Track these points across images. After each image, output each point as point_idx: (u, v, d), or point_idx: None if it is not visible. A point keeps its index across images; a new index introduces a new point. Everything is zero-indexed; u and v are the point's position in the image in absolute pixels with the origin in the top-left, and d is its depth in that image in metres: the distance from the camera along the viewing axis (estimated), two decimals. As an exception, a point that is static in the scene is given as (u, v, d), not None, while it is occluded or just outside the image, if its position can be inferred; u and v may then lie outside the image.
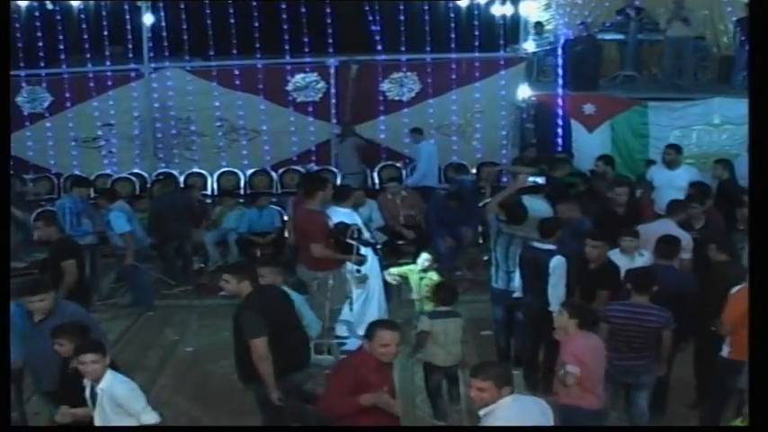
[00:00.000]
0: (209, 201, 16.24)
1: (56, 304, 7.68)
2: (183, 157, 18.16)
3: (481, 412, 5.85)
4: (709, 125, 17.15)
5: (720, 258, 8.83)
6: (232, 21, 18.15)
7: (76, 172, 17.43)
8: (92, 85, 18.05)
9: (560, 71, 17.45)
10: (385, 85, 18.17)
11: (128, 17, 18.20)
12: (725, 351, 8.07)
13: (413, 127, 17.20)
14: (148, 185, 16.42)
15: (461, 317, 8.84)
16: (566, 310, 7.44)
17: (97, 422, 6.65)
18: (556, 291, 8.99)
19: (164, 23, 18.33)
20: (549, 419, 6.04)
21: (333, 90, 17.92)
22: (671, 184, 12.57)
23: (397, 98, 18.17)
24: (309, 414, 7.94)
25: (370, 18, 18.38)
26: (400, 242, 13.60)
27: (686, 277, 8.83)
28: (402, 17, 18.34)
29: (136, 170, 17.75)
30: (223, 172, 17.64)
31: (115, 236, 12.01)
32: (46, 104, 18.19)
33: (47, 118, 18.19)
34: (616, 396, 8.54)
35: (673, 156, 13.00)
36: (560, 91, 17.36)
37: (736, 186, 12.67)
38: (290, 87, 18.16)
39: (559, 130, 17.24)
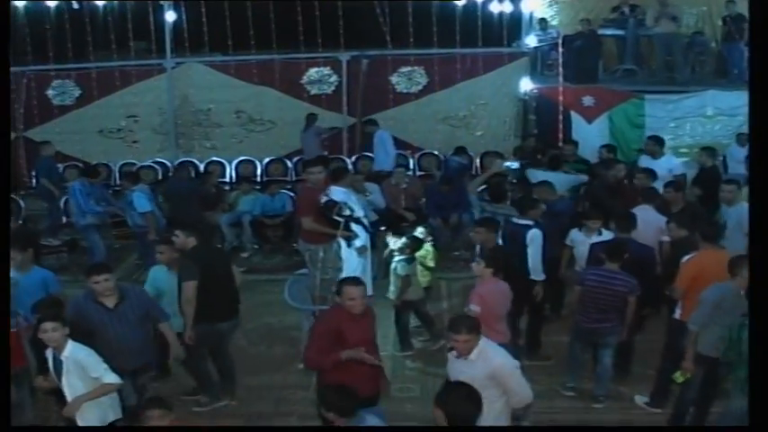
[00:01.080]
0: (227, 187, 17.09)
1: (122, 288, 8.09)
2: (203, 146, 19.17)
3: (471, 356, 6.68)
4: (703, 116, 17.96)
5: (680, 234, 9.70)
6: (250, 18, 18.99)
7: (103, 161, 18.50)
8: (117, 79, 19.12)
9: (560, 65, 18.24)
10: (394, 79, 19.14)
11: (151, 15, 19.14)
12: (677, 313, 8.97)
13: (366, 118, 18.23)
14: (170, 173, 17.36)
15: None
16: (483, 260, 8.42)
17: (66, 391, 7.15)
18: (534, 259, 9.92)
19: (185, 21, 19.30)
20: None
21: (344, 83, 18.93)
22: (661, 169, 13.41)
23: (405, 91, 19.14)
24: (214, 373, 9.39)
25: (380, 15, 19.14)
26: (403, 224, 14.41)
27: (645, 248, 9.70)
28: (410, 14, 19.11)
29: (158, 159, 18.74)
30: (241, 160, 18.56)
31: (136, 215, 12.99)
32: (74, 97, 19.32)
33: (75, 110, 19.30)
34: (584, 353, 9.55)
35: (653, 147, 13.89)
36: (561, 84, 18.15)
37: (719, 173, 13.60)
38: (304, 81, 19.17)
39: (560, 122, 18.02)
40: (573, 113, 18.11)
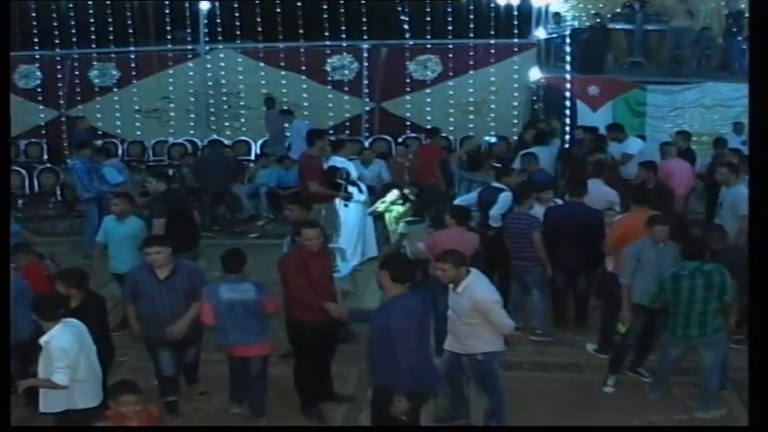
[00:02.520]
0: (251, 163, 18.40)
1: (176, 262, 8.39)
2: (232, 126, 20.49)
3: (459, 289, 7.82)
4: (702, 107, 18.89)
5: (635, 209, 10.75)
6: (278, 8, 20.36)
7: (138, 138, 20.00)
8: (154, 62, 20.55)
9: (568, 56, 19.24)
10: (411, 67, 20.25)
11: (187, 4, 20.49)
12: (609, 266, 10.18)
13: (283, 109, 19.31)
14: (199, 150, 18.74)
15: (425, 222, 11.35)
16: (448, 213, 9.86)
17: (40, 373, 7.19)
18: (495, 211, 11.19)
19: (218, 10, 20.63)
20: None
21: (365, 70, 20.10)
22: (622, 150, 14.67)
23: (421, 78, 20.24)
24: None
25: (400, 7, 20.38)
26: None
27: (591, 211, 10.78)
28: (427, 7, 20.35)
29: (187, 137, 20.09)
30: (265, 140, 19.72)
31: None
32: (114, 79, 20.74)
33: (114, 91, 20.72)
34: (523, 295, 10.93)
35: (615, 134, 15.23)
36: (568, 74, 19.16)
37: (692, 155, 14.69)
38: (327, 67, 20.40)
39: (566, 109, 19.02)
40: (579, 102, 19.04)
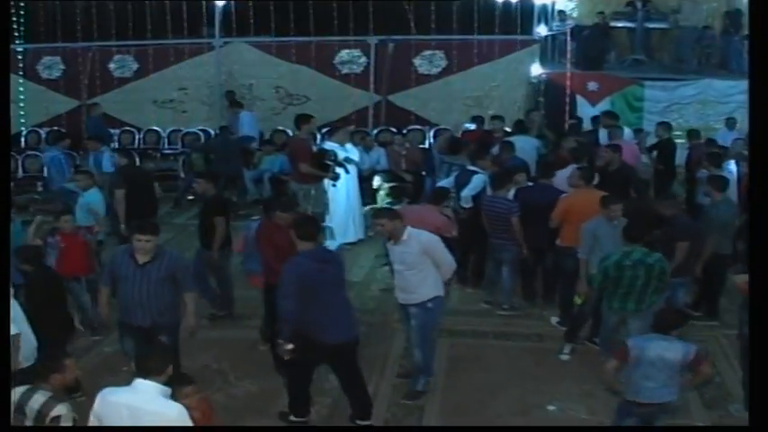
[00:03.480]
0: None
1: (160, 250, 8.41)
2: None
3: (404, 238, 8.66)
4: (697, 103, 19.52)
5: (579, 183, 11.33)
6: (290, 4, 21.13)
7: (155, 127, 20.91)
8: (171, 55, 21.30)
9: (568, 53, 19.94)
10: (417, 61, 20.81)
11: (203, 0, 21.31)
12: (558, 240, 10.91)
13: (231, 99, 20.04)
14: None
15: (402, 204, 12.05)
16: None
17: None
18: (466, 192, 11.96)
19: (233, 5, 21.35)
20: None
21: (372, 64, 20.76)
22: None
23: (426, 72, 20.82)
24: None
25: (406, 4, 21.10)
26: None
27: (556, 192, 11.47)
28: (433, 4, 21.00)
29: (201, 127, 20.81)
30: (276, 130, 20.26)
31: None
32: (133, 70, 21.54)
33: (133, 82, 21.52)
34: (496, 272, 11.56)
35: (608, 121, 15.83)
36: (568, 69, 19.84)
37: (673, 145, 15.33)
38: (336, 61, 21.01)
39: (566, 104, 19.71)
40: (578, 96, 19.75)
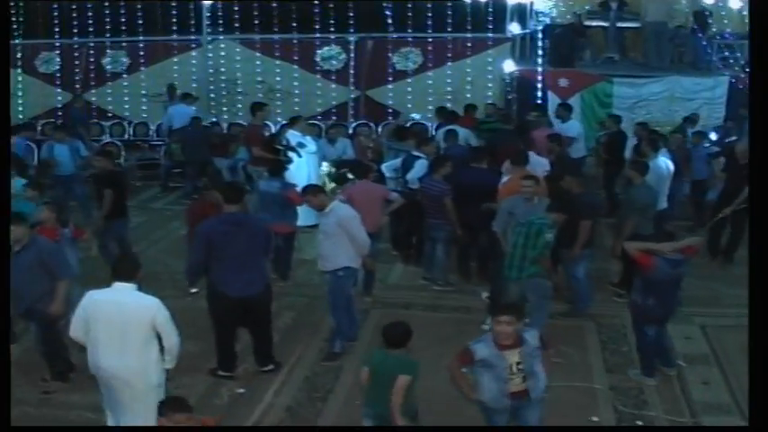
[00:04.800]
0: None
1: (31, 238, 8.80)
2: (230, 111, 22.07)
3: (326, 210, 9.70)
4: (664, 99, 20.12)
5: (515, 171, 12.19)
6: (274, 3, 21.91)
7: (144, 120, 21.98)
8: (161, 51, 22.33)
9: (540, 50, 20.67)
10: (394, 58, 21.68)
11: (191, -1, 22.21)
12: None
13: (171, 92, 20.66)
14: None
15: None
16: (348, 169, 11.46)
17: None
18: (412, 175, 12.83)
19: (219, 3, 22.28)
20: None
21: (352, 61, 21.66)
22: (564, 132, 16.02)
23: (403, 69, 21.68)
24: None
25: (384, 3, 21.84)
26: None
27: (488, 174, 12.34)
28: (409, 3, 21.83)
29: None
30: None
31: None
32: (125, 66, 22.60)
33: (124, 77, 22.57)
34: (433, 250, 12.32)
35: (563, 112, 16.44)
36: (540, 66, 20.55)
37: (623, 136, 16.05)
38: (317, 58, 21.94)
39: (537, 100, 20.37)
40: (550, 93, 20.41)
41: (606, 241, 13.11)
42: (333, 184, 13.46)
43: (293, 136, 14.69)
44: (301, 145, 14.36)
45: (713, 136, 17.66)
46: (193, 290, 9.79)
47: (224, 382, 9.51)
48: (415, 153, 13.08)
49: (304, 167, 14.30)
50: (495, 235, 11.21)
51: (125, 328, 7.22)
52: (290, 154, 14.03)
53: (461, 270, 12.73)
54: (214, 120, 21.18)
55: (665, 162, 13.07)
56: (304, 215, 14.07)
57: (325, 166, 14.59)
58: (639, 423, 8.76)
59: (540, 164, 12.81)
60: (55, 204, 10.44)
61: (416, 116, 16.25)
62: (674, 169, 13.25)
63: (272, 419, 8.80)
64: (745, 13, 20.85)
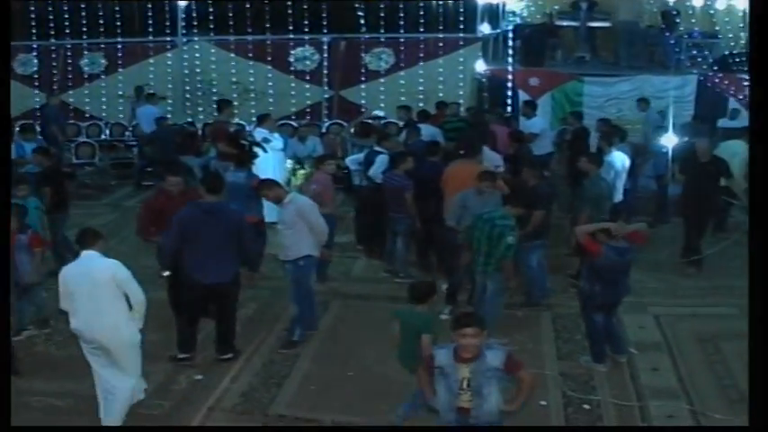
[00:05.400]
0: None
1: None
2: (205, 111, 22.26)
3: (285, 201, 10.01)
4: (634, 98, 20.36)
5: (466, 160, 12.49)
6: (248, 4, 22.41)
7: (122, 121, 22.00)
8: (137, 53, 22.63)
9: (510, 50, 20.96)
10: (366, 58, 22.06)
11: (167, 1, 22.57)
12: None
13: (138, 93, 20.92)
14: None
15: None
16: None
17: None
18: (374, 170, 13.11)
19: (194, 5, 22.66)
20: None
21: (325, 61, 22.00)
22: (528, 128, 16.34)
23: (375, 69, 22.05)
24: None
25: (357, 4, 22.33)
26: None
27: (442, 167, 12.51)
28: (382, 4, 22.31)
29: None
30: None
31: None
32: (102, 67, 22.92)
33: (102, 78, 22.88)
34: (393, 243, 12.57)
35: (527, 109, 16.84)
36: (510, 66, 20.84)
37: (586, 132, 16.33)
38: (291, 58, 22.31)
39: (508, 99, 20.69)
40: (521, 91, 20.70)
41: (567, 234, 13.31)
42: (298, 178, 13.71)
43: (259, 133, 14.96)
44: (266, 140, 14.62)
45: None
46: (165, 273, 9.99)
47: (183, 369, 9.72)
48: (377, 149, 13.33)
49: (270, 163, 14.53)
50: (451, 228, 11.42)
51: (93, 290, 7.99)
52: (256, 149, 14.24)
53: (421, 263, 12.91)
54: (189, 120, 21.35)
55: (620, 156, 13.31)
56: (270, 212, 14.36)
57: (289, 163, 14.86)
58: (586, 407, 8.94)
59: (492, 159, 13.10)
60: (18, 208, 10.53)
61: (380, 113, 16.60)
62: (631, 164, 13.48)
63: (227, 404, 9.01)
64: (712, 12, 21.22)
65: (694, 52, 21.23)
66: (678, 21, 21.52)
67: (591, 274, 9.59)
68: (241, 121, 20.69)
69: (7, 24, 9.03)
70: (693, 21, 21.72)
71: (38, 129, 19.72)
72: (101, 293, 8.02)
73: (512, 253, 10.17)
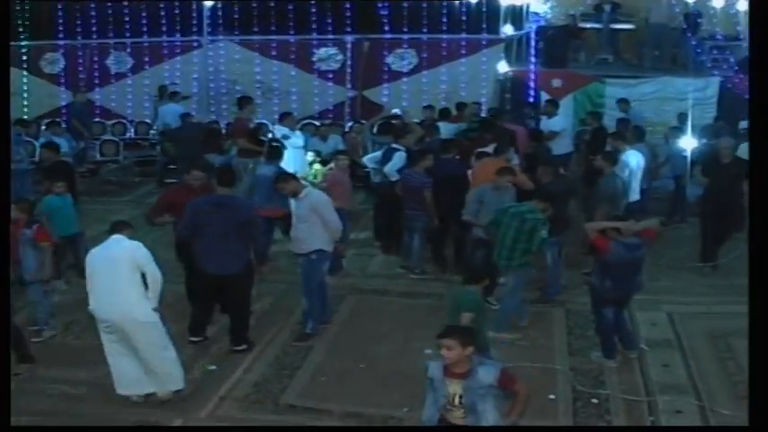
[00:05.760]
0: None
1: None
2: (229, 110, 22.35)
3: (300, 196, 10.14)
4: (657, 99, 20.37)
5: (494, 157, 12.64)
6: (272, 5, 22.59)
7: (146, 119, 22.26)
8: (163, 52, 22.87)
9: (534, 51, 20.98)
10: (389, 59, 22.18)
11: (193, 2, 22.86)
12: None
13: (162, 92, 21.03)
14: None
15: None
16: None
17: None
18: (389, 169, 13.16)
19: (219, 5, 22.89)
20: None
21: (348, 61, 22.14)
22: (549, 127, 16.38)
23: (398, 69, 22.16)
24: None
25: (381, 5, 22.38)
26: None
27: (456, 164, 12.73)
28: (405, 5, 22.34)
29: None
30: (257, 123, 21.58)
31: None
32: (128, 66, 23.14)
33: (128, 77, 23.11)
34: (410, 239, 12.66)
35: (550, 108, 16.83)
36: (533, 67, 20.85)
37: (605, 132, 16.35)
38: (314, 58, 22.45)
39: (531, 99, 20.64)
40: (543, 93, 20.70)
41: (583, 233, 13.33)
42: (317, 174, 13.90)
43: (280, 130, 15.15)
44: (286, 137, 14.78)
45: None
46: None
47: (197, 358, 9.88)
48: (394, 146, 13.43)
49: (290, 160, 14.65)
50: (467, 224, 11.50)
51: (111, 269, 8.38)
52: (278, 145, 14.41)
53: (436, 259, 13.00)
54: (213, 119, 21.54)
55: (635, 155, 13.35)
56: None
57: (310, 156, 15.01)
58: (595, 401, 8.99)
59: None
60: (26, 203, 10.75)
61: (398, 111, 16.74)
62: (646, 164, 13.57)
63: (239, 393, 9.14)
64: (734, 14, 21.15)
65: (717, 54, 21.11)
66: (701, 23, 21.38)
67: (601, 270, 9.67)
68: (264, 121, 20.95)
69: (7, 24, 9.04)
70: (716, 22, 21.57)
71: (64, 125, 20.22)
72: (118, 272, 8.35)
73: (542, 246, 10.48)
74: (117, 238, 8.63)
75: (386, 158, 13.41)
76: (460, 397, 6.29)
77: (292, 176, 10.71)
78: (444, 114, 17.04)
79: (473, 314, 8.16)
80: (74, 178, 13.92)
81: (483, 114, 18.25)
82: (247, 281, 10.03)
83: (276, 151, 13.19)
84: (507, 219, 10.26)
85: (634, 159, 13.16)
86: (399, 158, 13.06)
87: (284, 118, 15.75)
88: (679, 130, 16.10)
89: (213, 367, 9.77)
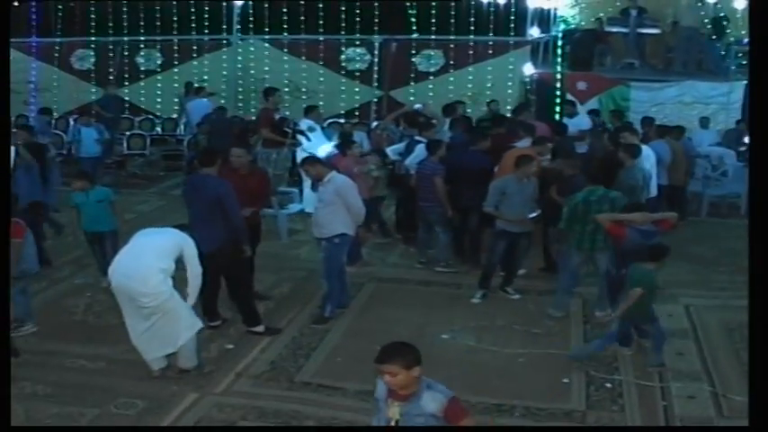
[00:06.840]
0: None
1: None
2: (257, 108, 22.58)
3: (325, 180, 10.27)
4: (681, 103, 20.44)
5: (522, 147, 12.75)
6: (301, 5, 22.85)
7: (174, 116, 22.50)
8: (193, 50, 23.16)
9: (560, 54, 21.08)
10: (416, 59, 22.33)
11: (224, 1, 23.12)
12: None
13: (188, 88, 21.33)
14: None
15: None
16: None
17: None
18: (411, 159, 13.33)
19: (250, 5, 23.25)
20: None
21: (376, 61, 22.33)
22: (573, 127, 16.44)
23: (425, 70, 22.31)
24: None
25: (408, 6, 22.64)
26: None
27: (480, 157, 12.72)
28: (433, 6, 22.50)
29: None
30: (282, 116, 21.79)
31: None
32: (158, 63, 23.47)
33: (157, 74, 23.42)
34: (427, 233, 12.76)
35: (570, 109, 17.00)
36: (559, 70, 20.97)
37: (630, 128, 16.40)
38: (342, 58, 22.65)
39: (556, 101, 20.76)
40: (568, 95, 20.80)
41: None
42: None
43: (305, 123, 15.29)
44: (311, 129, 14.94)
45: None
46: None
47: (215, 338, 9.97)
48: (417, 138, 13.57)
49: (314, 151, 14.81)
50: (488, 216, 11.58)
51: (149, 242, 8.64)
52: (300, 138, 14.57)
53: (455, 251, 13.06)
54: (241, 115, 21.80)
55: (649, 151, 13.42)
56: (308, 202, 14.67)
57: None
58: (608, 386, 9.02)
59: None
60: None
61: (419, 106, 16.95)
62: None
63: (255, 371, 9.22)
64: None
65: (742, 59, 21.11)
66: (726, 27, 21.41)
67: (617, 258, 9.72)
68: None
69: (7, 25, 8.82)
70: (741, 26, 21.57)
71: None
72: (153, 245, 8.58)
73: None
74: (169, 228, 8.93)
75: (408, 151, 13.54)
76: (397, 422, 5.45)
77: (318, 160, 10.91)
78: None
79: (643, 290, 8.74)
80: (46, 158, 14.33)
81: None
82: (230, 258, 9.93)
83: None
84: (596, 203, 10.21)
85: (648, 159, 13.20)
86: (421, 150, 13.17)
87: (310, 111, 15.88)
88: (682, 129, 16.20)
89: (231, 346, 9.86)
